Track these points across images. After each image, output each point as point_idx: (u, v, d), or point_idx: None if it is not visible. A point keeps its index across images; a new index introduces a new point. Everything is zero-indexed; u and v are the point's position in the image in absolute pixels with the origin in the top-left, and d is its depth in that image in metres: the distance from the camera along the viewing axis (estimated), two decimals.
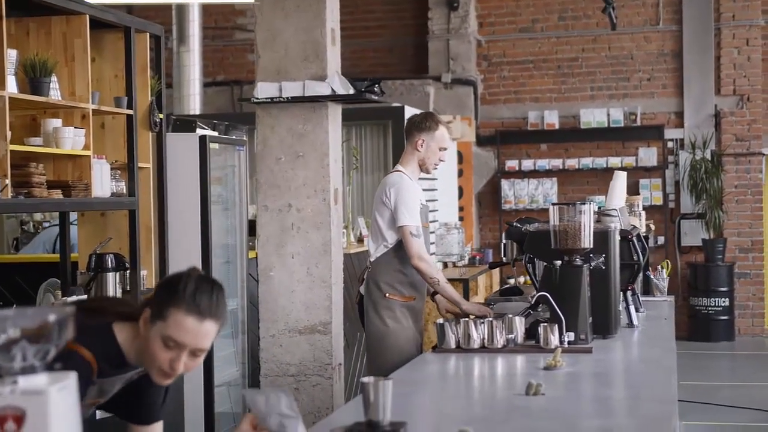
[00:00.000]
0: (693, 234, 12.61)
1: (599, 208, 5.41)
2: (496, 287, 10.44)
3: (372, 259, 5.34)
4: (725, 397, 9.11)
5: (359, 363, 7.85)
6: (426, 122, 5.31)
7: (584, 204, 4.43)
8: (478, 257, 10.77)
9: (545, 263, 4.52)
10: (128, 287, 5.62)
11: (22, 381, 1.74)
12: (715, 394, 9.26)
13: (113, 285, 5.43)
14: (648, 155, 12.66)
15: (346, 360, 6.19)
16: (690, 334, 12.38)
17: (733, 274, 12.40)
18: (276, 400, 2.47)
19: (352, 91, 5.62)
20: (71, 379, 1.79)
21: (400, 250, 5.22)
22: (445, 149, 5.33)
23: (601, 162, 12.65)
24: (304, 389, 5.63)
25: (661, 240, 12.56)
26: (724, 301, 12.24)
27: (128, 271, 5.61)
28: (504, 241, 5.19)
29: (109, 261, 5.45)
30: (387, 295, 5.22)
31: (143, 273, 5.82)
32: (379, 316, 5.23)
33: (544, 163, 12.88)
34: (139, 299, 2.76)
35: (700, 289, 12.32)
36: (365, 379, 2.74)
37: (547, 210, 4.58)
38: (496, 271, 10.97)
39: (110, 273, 5.43)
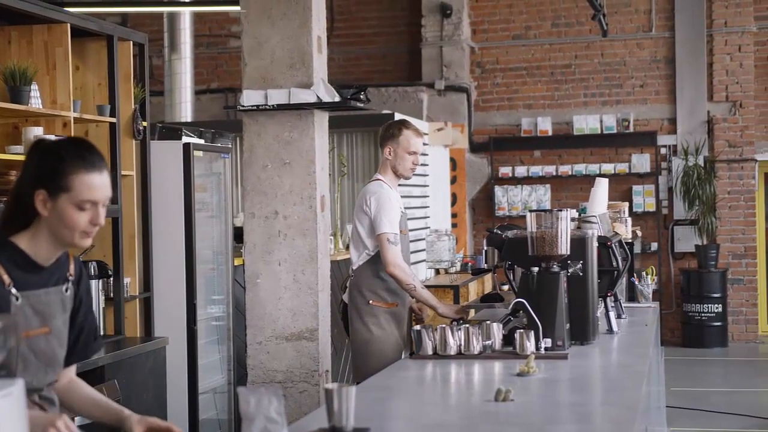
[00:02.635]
0: (686, 240, 12.62)
1: (579, 214, 5.42)
2: None
3: (354, 267, 5.40)
4: (717, 403, 9.11)
5: (347, 369, 7.86)
6: (389, 130, 5.43)
7: (561, 211, 4.44)
8: (470, 264, 10.78)
9: (523, 270, 4.53)
10: (111, 295, 5.63)
11: None
12: (707, 400, 9.27)
13: (96, 292, 5.45)
14: (641, 161, 12.67)
15: (333, 367, 6.21)
16: (683, 341, 12.39)
17: (726, 280, 12.41)
18: (267, 402, 2.48)
19: (337, 99, 5.63)
20: (17, 385, 1.81)
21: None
22: (414, 153, 5.39)
23: (594, 168, 12.66)
24: (291, 396, 5.64)
25: (654, 246, 12.57)
26: (717, 307, 12.25)
27: (111, 279, 5.63)
28: (485, 247, 5.21)
29: (92, 268, 5.47)
30: (370, 302, 5.30)
31: (126, 281, 5.84)
32: (363, 323, 5.30)
33: (537, 170, 12.90)
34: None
35: (693, 295, 12.32)
36: (328, 386, 2.77)
37: None
38: (488, 278, 10.99)
39: (93, 280, 5.44)
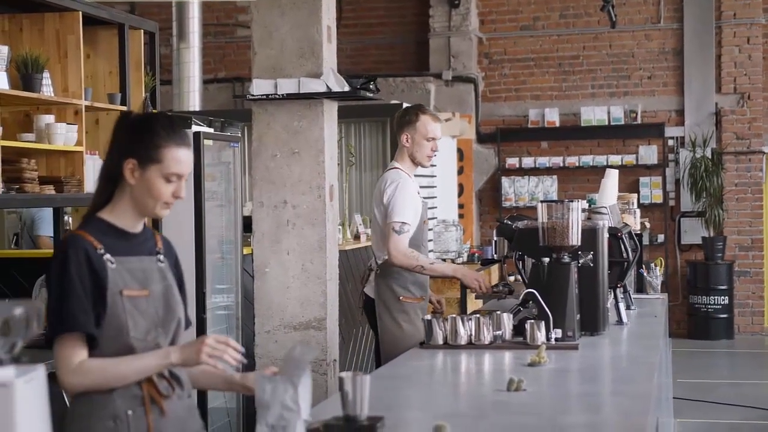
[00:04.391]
0: (693, 232, 12.62)
1: (590, 205, 5.42)
2: None
3: (380, 261, 5.31)
4: (723, 394, 9.12)
5: (355, 359, 7.88)
6: (406, 116, 5.31)
7: (572, 202, 4.44)
8: (477, 254, 10.77)
9: (534, 260, 4.53)
10: None
11: None
12: (713, 391, 9.28)
13: None
14: (648, 153, 12.66)
15: (341, 356, 6.20)
16: (689, 332, 12.39)
17: (732, 272, 12.40)
18: (283, 390, 2.48)
19: (347, 89, 5.63)
20: (39, 371, 1.81)
21: None
22: (432, 139, 5.29)
23: (601, 160, 12.66)
24: None
25: (661, 238, 12.57)
26: (723, 299, 12.25)
27: None
28: (495, 238, 5.20)
29: None
30: (401, 297, 5.23)
31: None
32: (393, 318, 5.24)
33: (544, 161, 12.89)
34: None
35: (699, 287, 12.32)
36: (343, 374, 2.77)
37: None
38: (495, 268, 10.98)
39: None
